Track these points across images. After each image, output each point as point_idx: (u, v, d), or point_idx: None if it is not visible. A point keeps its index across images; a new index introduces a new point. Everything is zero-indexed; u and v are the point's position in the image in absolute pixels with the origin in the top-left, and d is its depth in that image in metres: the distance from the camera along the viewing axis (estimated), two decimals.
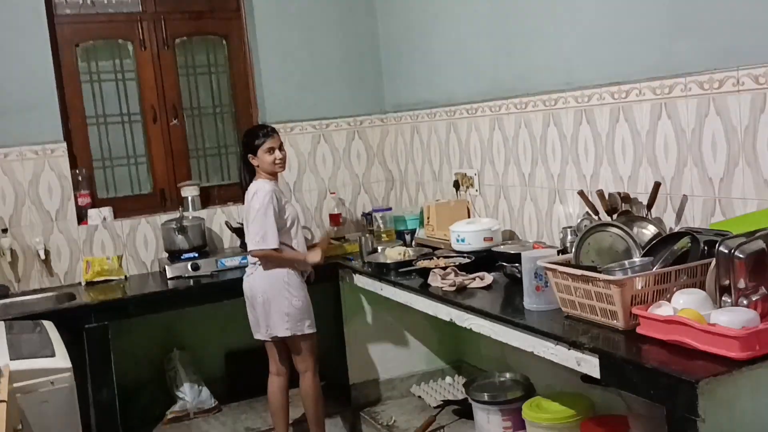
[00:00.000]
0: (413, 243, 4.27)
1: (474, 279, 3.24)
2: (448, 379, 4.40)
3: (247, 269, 3.77)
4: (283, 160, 3.70)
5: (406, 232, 4.39)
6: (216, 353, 4.61)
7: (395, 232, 4.41)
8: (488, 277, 3.23)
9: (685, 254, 2.45)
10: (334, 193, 4.76)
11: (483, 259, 3.47)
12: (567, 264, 2.63)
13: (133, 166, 4.59)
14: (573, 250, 2.72)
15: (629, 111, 3.01)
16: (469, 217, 4.13)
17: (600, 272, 2.47)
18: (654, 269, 2.40)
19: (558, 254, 2.82)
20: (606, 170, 3.16)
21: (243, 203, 3.75)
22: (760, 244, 2.19)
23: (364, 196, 4.93)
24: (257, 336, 3.76)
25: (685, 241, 2.47)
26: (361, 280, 3.93)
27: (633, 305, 2.35)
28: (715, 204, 2.72)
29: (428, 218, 4.13)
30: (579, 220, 3.21)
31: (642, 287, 2.36)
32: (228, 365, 4.63)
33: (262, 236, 3.55)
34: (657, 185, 2.82)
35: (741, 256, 2.21)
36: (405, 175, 4.86)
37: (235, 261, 4.21)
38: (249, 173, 3.73)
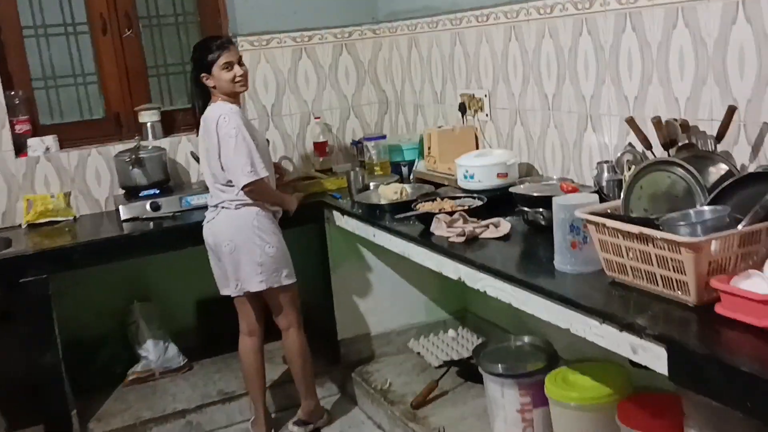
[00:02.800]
0: (411, 177, 3.65)
1: (487, 227, 2.63)
2: (451, 332, 3.82)
3: (207, 213, 3.16)
4: (245, 77, 3.07)
5: (402, 164, 3.75)
6: (185, 303, 4.02)
7: (390, 165, 3.77)
8: (504, 225, 2.61)
9: None
10: (318, 117, 4.09)
11: (495, 200, 2.86)
12: (615, 215, 2.02)
13: (82, 86, 3.89)
14: (622, 195, 2.10)
15: (691, 13, 2.33)
16: (477, 147, 3.48)
17: (660, 227, 1.86)
18: (741, 227, 1.78)
19: (600, 199, 2.19)
20: (656, 90, 2.50)
21: None
22: None
23: (354, 121, 4.26)
24: (225, 292, 3.18)
25: None
26: (350, 224, 3.32)
27: (709, 274, 1.75)
28: None
29: (429, 148, 3.49)
30: (619, 154, 2.59)
31: (721, 250, 1.76)
32: (199, 316, 4.06)
33: (251, 165, 2.97)
34: (731, 110, 2.16)
35: None
36: (401, 97, 4.18)
37: (202, 199, 3.55)
38: (203, 98, 3.08)
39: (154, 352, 3.74)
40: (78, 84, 3.88)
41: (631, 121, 2.37)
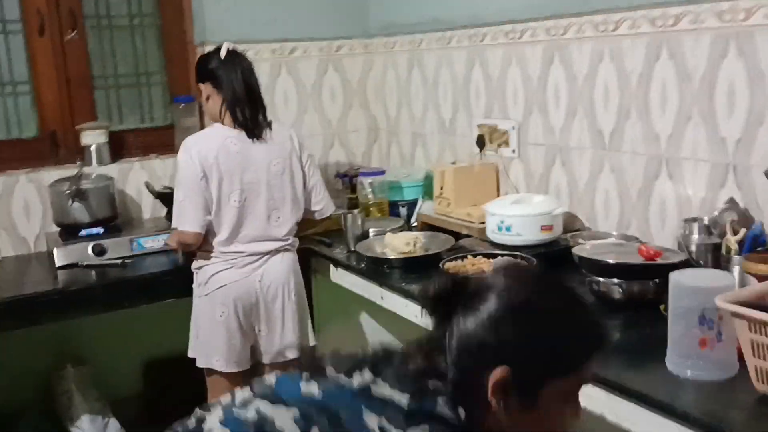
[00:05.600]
0: (414, 221, 3.04)
1: None
2: None
3: (242, 266, 2.48)
4: None
5: (401, 204, 3.16)
6: (129, 366, 3.30)
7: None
8: None
9: None
10: None
11: (539, 259, 2.28)
12: None
13: (10, 96, 3.16)
14: None
15: None
16: (498, 188, 2.91)
17: None
18: None
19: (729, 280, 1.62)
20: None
21: (175, 154, 2.55)
22: None
23: (339, 151, 3.64)
24: (241, 366, 2.56)
25: None
26: (346, 279, 2.68)
27: None
28: None
29: (442, 188, 2.89)
30: (716, 212, 2.04)
31: None
32: (147, 382, 3.34)
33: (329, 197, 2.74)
34: None
35: None
36: (396, 124, 3.57)
37: (159, 241, 2.89)
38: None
39: (91, 428, 3.00)
40: (6, 94, 3.15)
41: None
